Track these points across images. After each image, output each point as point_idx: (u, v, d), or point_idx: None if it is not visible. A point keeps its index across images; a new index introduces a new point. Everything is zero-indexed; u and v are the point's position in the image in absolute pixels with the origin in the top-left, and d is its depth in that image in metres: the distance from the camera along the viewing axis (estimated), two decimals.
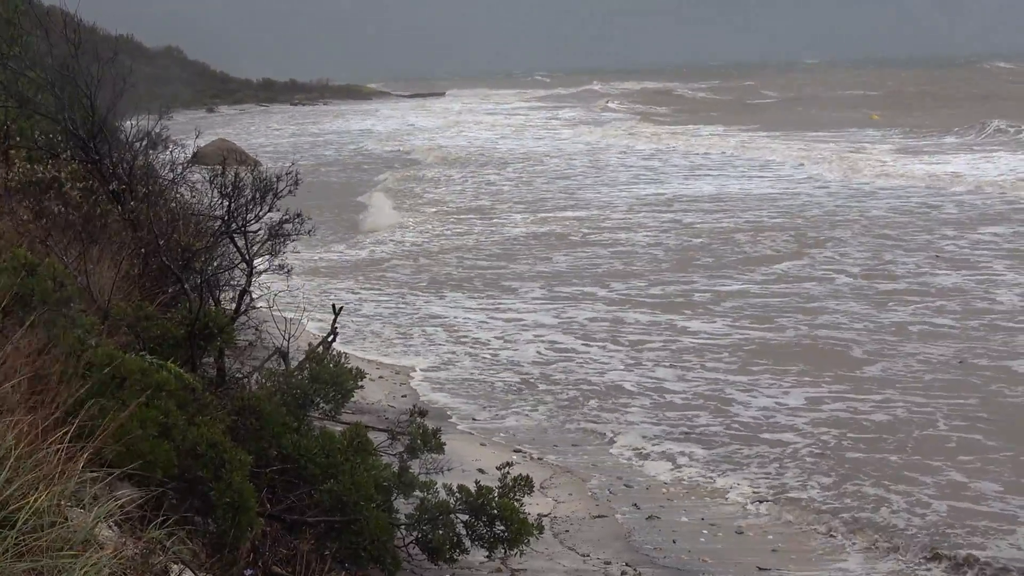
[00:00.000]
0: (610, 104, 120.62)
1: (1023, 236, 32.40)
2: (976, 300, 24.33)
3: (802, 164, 54.06)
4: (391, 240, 36.11)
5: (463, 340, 22.49)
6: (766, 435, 16.68)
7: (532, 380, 19.50)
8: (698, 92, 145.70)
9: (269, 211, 13.16)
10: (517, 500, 10.26)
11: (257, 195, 13.08)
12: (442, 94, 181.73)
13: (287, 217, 13.25)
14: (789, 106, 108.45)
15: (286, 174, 13.41)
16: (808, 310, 23.99)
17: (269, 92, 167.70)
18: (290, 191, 13.34)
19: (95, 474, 5.90)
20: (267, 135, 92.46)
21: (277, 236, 13.30)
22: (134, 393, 7.66)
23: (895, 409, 17.35)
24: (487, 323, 23.95)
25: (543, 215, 40.53)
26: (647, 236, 34.71)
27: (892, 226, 34.92)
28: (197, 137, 21.96)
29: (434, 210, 42.79)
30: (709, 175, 50.93)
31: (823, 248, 31.46)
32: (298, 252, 13.59)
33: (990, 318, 22.68)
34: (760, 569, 12.38)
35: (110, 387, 7.52)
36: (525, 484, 10.40)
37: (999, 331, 21.67)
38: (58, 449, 5.66)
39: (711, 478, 15.14)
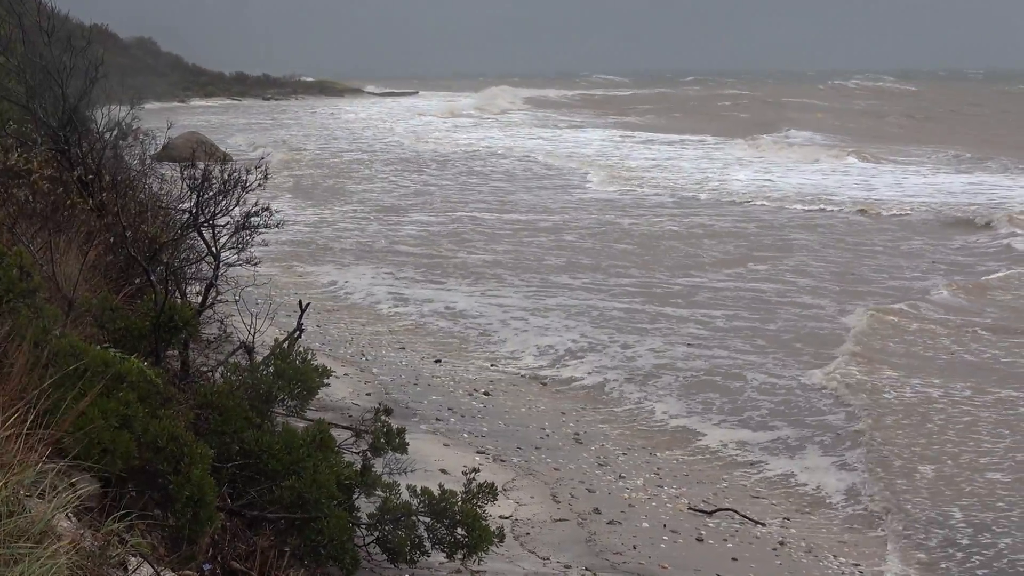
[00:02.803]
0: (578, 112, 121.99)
1: None
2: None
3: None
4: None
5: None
6: (735, 442, 16.81)
7: (487, 386, 19.53)
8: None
9: (237, 205, 13.11)
10: (480, 507, 10.24)
11: (227, 187, 13.04)
12: (415, 93, 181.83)
13: (255, 210, 13.21)
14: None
15: (256, 168, 13.37)
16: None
17: (242, 86, 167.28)
18: (260, 185, 13.30)
19: (54, 464, 5.86)
20: (243, 129, 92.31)
21: (245, 229, 13.25)
22: (95, 384, 7.61)
23: None
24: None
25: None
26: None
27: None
28: (169, 128, 21.83)
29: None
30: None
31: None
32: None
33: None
34: None
35: (72, 378, 7.47)
36: (489, 491, 10.38)
37: None
38: (17, 435, 5.62)
39: (674, 485, 15.20)
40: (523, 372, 20.58)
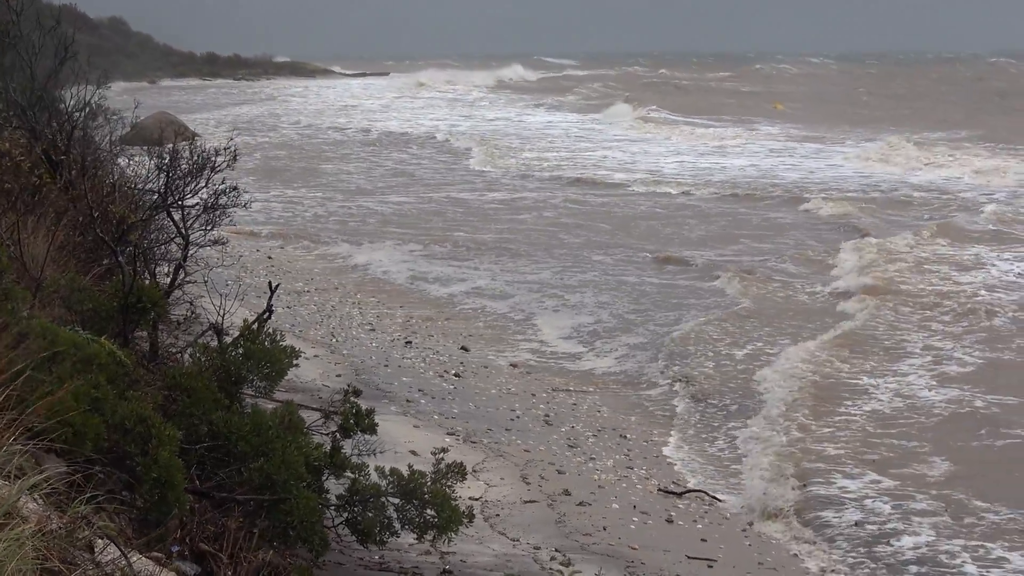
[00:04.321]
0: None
1: None
2: None
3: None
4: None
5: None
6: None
7: (452, 371, 19.53)
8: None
9: (206, 185, 13.08)
10: (449, 487, 10.23)
11: (196, 168, 13.00)
12: (386, 74, 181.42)
13: (223, 189, 13.18)
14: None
15: (224, 149, 13.33)
16: None
17: (212, 66, 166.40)
18: (228, 165, 13.26)
19: (21, 447, 5.84)
20: (213, 109, 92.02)
21: (213, 209, 13.22)
22: (66, 366, 7.58)
23: None
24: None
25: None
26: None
27: None
28: (136, 108, 21.74)
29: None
30: None
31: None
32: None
33: None
34: (689, 557, 12.46)
35: (42, 360, 7.44)
36: (458, 471, 10.37)
37: None
38: None
39: (643, 466, 15.24)
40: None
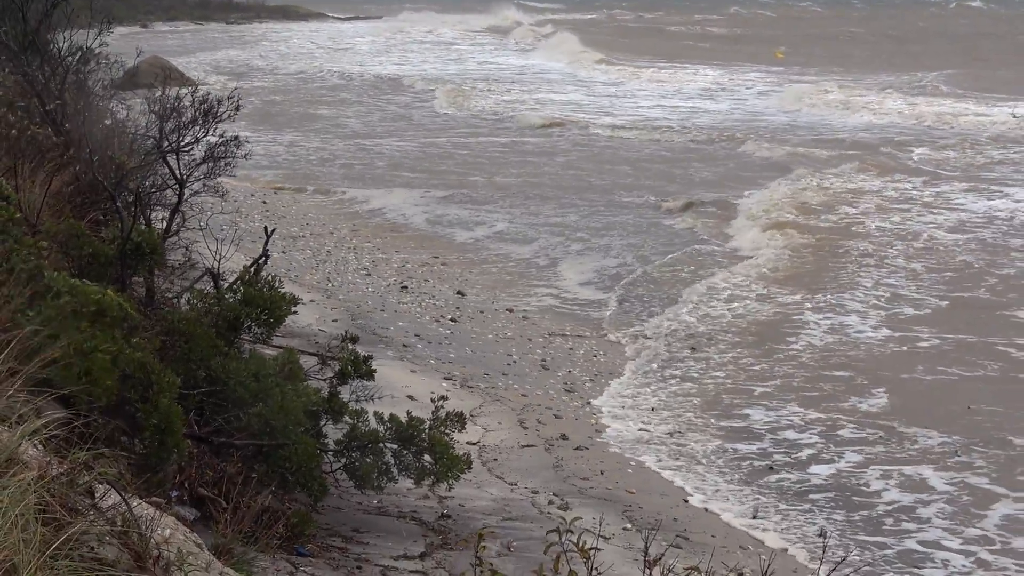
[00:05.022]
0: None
1: None
2: None
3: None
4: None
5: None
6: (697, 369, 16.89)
7: (454, 313, 19.52)
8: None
9: (207, 134, 13.02)
10: (447, 434, 10.25)
11: (196, 116, 12.95)
12: (378, 17, 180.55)
13: (224, 139, 13.12)
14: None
15: (227, 98, 13.26)
16: None
17: (204, 10, 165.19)
18: (230, 116, 13.18)
19: (24, 396, 5.84)
20: (208, 53, 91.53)
21: (214, 159, 13.17)
22: (85, 321, 7.58)
23: None
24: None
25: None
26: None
27: None
28: (139, 56, 21.64)
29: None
30: None
31: None
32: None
33: None
34: (686, 501, 12.51)
35: (61, 312, 7.45)
36: (457, 420, 10.39)
37: None
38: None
39: (637, 411, 15.26)
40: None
